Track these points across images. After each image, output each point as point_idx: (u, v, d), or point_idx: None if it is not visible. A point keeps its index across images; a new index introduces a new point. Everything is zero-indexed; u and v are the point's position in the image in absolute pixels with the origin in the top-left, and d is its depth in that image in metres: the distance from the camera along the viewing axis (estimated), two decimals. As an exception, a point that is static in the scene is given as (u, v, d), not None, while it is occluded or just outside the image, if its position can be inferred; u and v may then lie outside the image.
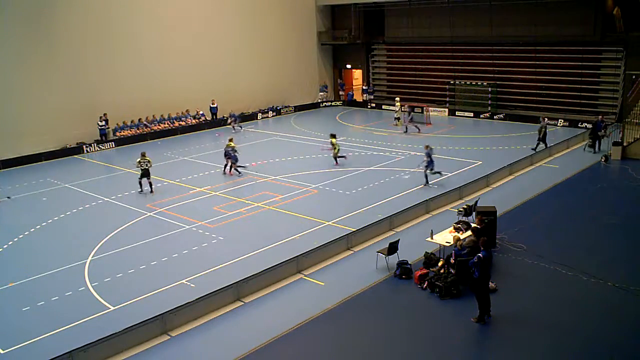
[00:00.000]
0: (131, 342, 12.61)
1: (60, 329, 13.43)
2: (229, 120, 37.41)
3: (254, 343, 12.57)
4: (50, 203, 23.37)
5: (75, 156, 31.78)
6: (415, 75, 42.96)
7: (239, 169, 25.90)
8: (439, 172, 23.34)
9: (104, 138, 33.36)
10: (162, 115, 36.56)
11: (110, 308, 14.32)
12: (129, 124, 34.98)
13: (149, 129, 35.56)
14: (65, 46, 31.75)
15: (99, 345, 12.16)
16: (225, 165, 26.17)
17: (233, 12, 39.76)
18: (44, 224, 20.84)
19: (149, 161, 23.73)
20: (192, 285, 15.30)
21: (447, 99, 40.83)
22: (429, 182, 23.03)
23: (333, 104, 46.23)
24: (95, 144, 32.87)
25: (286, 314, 13.79)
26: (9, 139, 29.95)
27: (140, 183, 23.90)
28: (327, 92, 46.79)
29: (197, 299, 13.87)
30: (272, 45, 42.29)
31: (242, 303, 14.37)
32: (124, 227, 20.03)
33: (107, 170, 28.67)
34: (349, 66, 47.68)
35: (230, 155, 25.84)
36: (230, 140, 26.65)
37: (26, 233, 19.92)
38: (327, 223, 19.48)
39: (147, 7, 35.09)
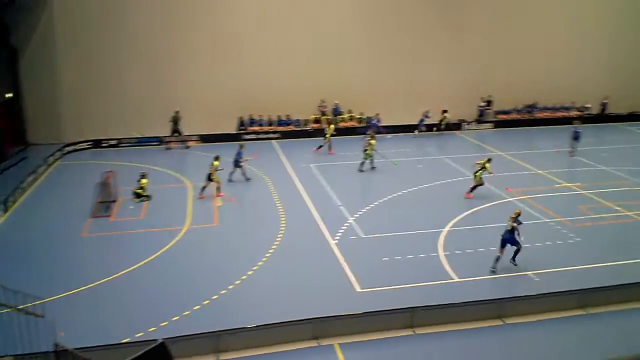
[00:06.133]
0: (463, 317, 13.29)
1: (406, 285, 14.94)
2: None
3: None
4: (424, 170, 25.58)
5: (454, 132, 33.68)
6: None
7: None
8: None
9: (482, 119, 34.50)
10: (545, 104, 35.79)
11: (454, 279, 15.35)
12: (508, 108, 35.26)
13: (529, 114, 35.27)
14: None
15: (439, 310, 13.26)
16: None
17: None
18: (415, 188, 23.03)
19: (370, 145, 25.02)
20: (536, 279, 15.26)
21: None
22: None
23: None
24: (475, 123, 34.29)
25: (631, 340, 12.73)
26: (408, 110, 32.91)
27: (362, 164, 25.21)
28: None
29: (538, 295, 13.89)
30: None
31: (585, 313, 13.76)
32: (483, 206, 20.88)
33: (478, 150, 29.77)
34: None
35: None
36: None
37: (398, 193, 22.33)
38: None
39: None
